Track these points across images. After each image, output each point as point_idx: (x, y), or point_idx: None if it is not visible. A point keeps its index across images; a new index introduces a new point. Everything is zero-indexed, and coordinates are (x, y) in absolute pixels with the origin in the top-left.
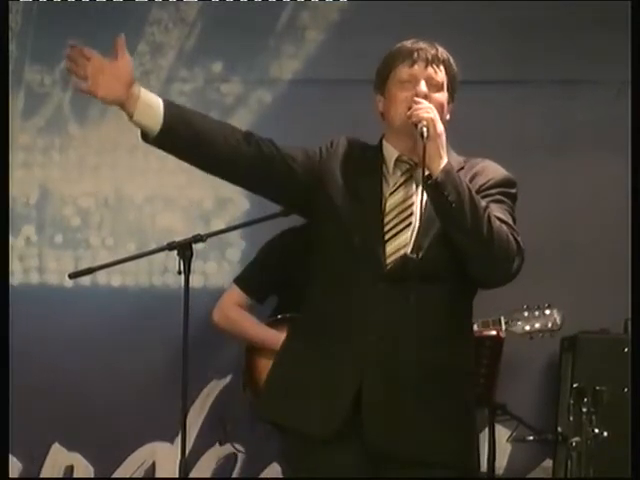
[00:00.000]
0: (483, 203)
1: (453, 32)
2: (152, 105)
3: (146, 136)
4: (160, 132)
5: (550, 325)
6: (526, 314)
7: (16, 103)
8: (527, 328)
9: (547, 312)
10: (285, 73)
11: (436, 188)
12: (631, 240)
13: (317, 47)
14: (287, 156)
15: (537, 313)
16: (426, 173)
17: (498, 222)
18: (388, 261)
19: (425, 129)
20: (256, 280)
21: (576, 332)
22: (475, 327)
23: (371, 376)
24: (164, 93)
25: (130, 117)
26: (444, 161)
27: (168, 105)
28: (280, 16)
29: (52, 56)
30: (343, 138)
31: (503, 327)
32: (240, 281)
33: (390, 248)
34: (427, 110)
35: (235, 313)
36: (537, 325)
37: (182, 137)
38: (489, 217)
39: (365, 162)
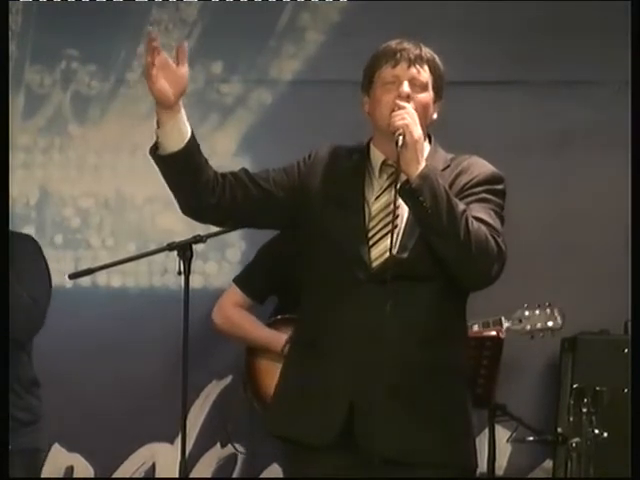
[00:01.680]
0: (461, 206)
1: (453, 33)
2: (185, 125)
3: (156, 150)
4: (178, 152)
5: (551, 324)
6: (527, 313)
7: (16, 103)
8: (528, 327)
9: (548, 311)
10: (285, 73)
11: (411, 194)
12: (631, 240)
13: (317, 48)
14: (263, 182)
15: (538, 312)
16: (405, 178)
17: (477, 224)
18: (374, 265)
19: (400, 137)
20: (256, 280)
21: (576, 333)
22: (475, 327)
23: (363, 380)
24: None
25: (163, 125)
26: (421, 166)
27: (193, 133)
28: (280, 16)
29: (52, 56)
30: (323, 147)
31: (504, 327)
32: (240, 281)
33: (375, 252)
34: (403, 117)
35: (236, 314)
36: (538, 324)
37: (190, 167)
38: (467, 220)
39: (351, 167)
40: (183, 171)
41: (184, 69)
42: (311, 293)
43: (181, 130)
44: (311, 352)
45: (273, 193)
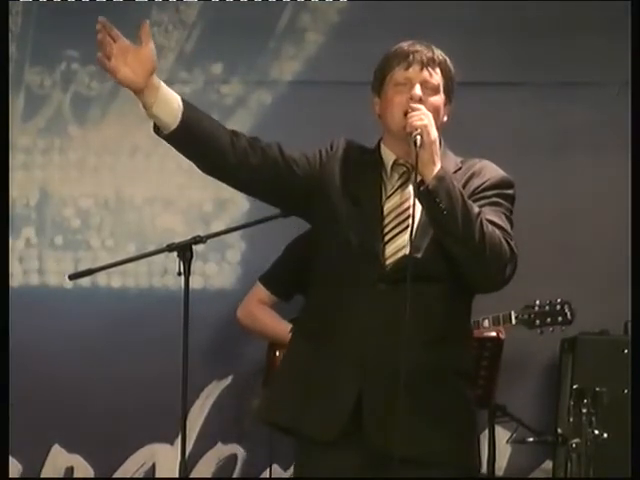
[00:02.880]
0: (476, 209)
1: (453, 34)
2: (171, 101)
3: (158, 129)
4: (175, 130)
5: (561, 319)
6: (537, 309)
7: (16, 105)
8: (538, 322)
9: (558, 307)
10: (285, 74)
11: (428, 195)
12: (631, 241)
13: (317, 48)
14: (291, 160)
15: (548, 308)
16: (420, 179)
17: (491, 227)
18: (387, 262)
19: (418, 137)
20: (281, 278)
21: (576, 333)
22: (486, 323)
23: (371, 377)
24: None
25: (147, 108)
26: (437, 167)
27: (186, 104)
28: (280, 17)
29: (52, 58)
30: (342, 140)
31: (514, 322)
32: (265, 279)
33: (389, 250)
34: (420, 117)
35: (259, 310)
36: (548, 319)
37: (195, 139)
38: (482, 223)
39: (364, 165)
40: (191, 142)
41: (148, 48)
42: (321, 286)
43: (169, 107)
44: (317, 345)
45: (297, 173)
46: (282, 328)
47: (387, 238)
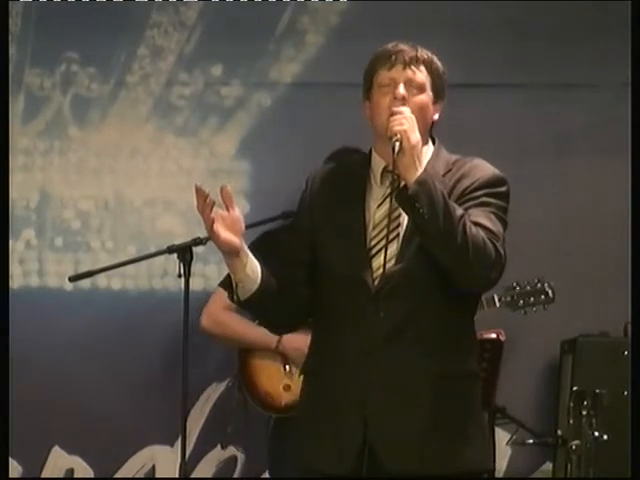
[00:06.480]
0: (459, 211)
1: (453, 35)
2: (255, 262)
3: (234, 296)
4: (257, 290)
5: (543, 297)
6: (518, 289)
7: (16, 106)
8: (521, 302)
9: (539, 285)
10: (285, 76)
11: (408, 200)
12: (631, 243)
13: (317, 50)
14: (297, 247)
15: (529, 288)
16: (403, 183)
17: (475, 229)
18: (375, 275)
19: (397, 143)
20: None
21: (576, 335)
22: None
23: (374, 403)
24: (164, 96)
25: (239, 271)
26: (419, 171)
27: (261, 267)
28: (280, 19)
29: (52, 59)
30: (316, 172)
31: (497, 304)
32: (225, 284)
33: (377, 263)
34: (401, 122)
35: (225, 316)
36: (531, 299)
37: (270, 298)
38: (464, 225)
39: (351, 178)
40: (267, 303)
41: (236, 212)
42: (317, 321)
43: (253, 268)
44: (321, 382)
45: (306, 243)
46: (253, 331)
47: (375, 250)
